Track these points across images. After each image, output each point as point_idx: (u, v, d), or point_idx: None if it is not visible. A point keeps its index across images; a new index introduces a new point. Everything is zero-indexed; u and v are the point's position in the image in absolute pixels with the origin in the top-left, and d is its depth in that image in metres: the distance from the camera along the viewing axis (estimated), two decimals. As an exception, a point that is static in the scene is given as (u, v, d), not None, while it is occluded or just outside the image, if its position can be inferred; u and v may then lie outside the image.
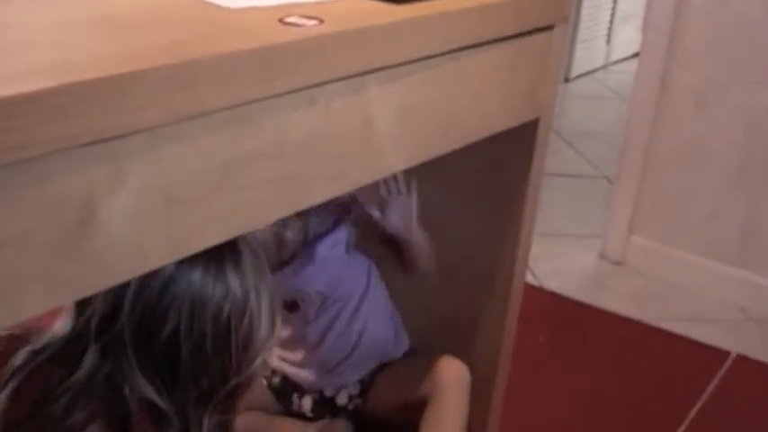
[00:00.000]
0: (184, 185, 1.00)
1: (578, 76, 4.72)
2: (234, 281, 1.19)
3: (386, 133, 1.25)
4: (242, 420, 1.76)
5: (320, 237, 1.76)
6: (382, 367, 1.88)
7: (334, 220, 1.77)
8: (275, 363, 1.92)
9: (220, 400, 1.21)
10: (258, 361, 1.23)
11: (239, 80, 1.03)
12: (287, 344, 1.89)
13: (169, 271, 1.15)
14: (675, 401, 2.24)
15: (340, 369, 1.87)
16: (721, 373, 2.38)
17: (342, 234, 1.78)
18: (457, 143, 1.44)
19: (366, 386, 1.87)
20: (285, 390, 1.92)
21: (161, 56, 0.97)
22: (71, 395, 1.16)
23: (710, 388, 2.32)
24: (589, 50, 4.81)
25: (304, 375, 1.90)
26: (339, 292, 1.82)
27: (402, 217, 1.74)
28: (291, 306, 1.82)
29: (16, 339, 1.21)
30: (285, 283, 1.76)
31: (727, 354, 2.46)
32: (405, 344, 1.92)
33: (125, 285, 1.14)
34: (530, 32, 1.51)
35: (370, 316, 1.86)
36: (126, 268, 0.97)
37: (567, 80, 4.65)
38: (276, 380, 1.93)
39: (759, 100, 2.59)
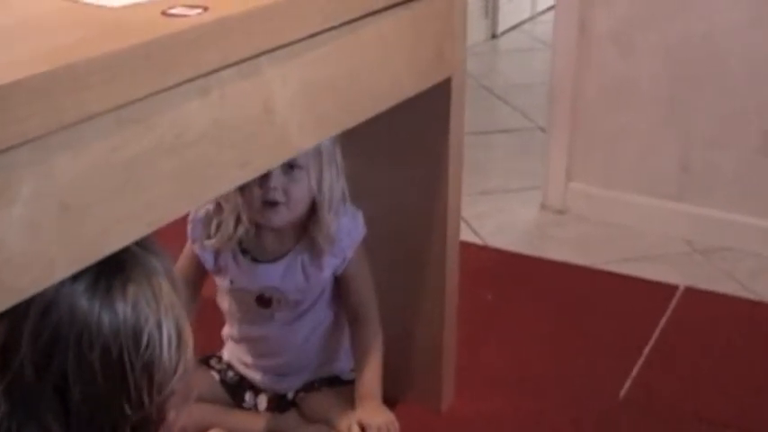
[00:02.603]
0: (81, 191, 0.99)
1: (506, 31, 4.70)
2: (124, 309, 1.04)
3: (287, 113, 1.24)
4: (192, 413, 1.77)
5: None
6: (334, 380, 1.90)
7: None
8: (232, 360, 1.93)
9: None
10: (168, 390, 1.08)
11: (126, 78, 1.02)
12: (243, 344, 1.90)
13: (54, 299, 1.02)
14: (630, 340, 2.26)
15: (289, 375, 1.89)
16: (672, 306, 2.40)
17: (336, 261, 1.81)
18: (364, 114, 1.43)
19: (312, 387, 1.89)
20: (240, 386, 1.91)
21: (40, 63, 0.95)
22: None
23: (663, 322, 2.33)
24: (514, 4, 4.80)
25: (258, 377, 1.91)
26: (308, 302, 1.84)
27: None
28: (265, 302, 1.83)
29: None
30: (269, 277, 1.78)
31: (675, 288, 2.48)
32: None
33: (21, 323, 1.03)
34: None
35: (321, 338, 1.88)
36: (29, 282, 0.95)
37: (494, 36, 4.64)
38: (231, 374, 1.92)
39: (676, 32, 2.60)
